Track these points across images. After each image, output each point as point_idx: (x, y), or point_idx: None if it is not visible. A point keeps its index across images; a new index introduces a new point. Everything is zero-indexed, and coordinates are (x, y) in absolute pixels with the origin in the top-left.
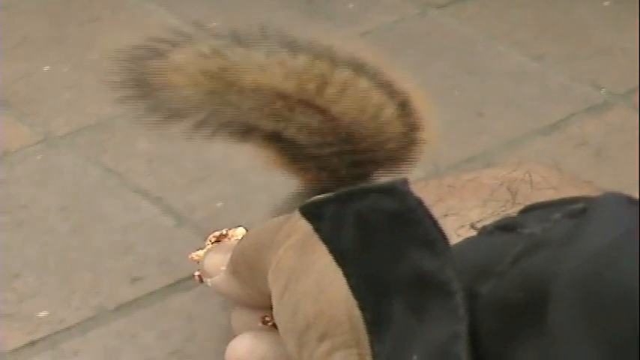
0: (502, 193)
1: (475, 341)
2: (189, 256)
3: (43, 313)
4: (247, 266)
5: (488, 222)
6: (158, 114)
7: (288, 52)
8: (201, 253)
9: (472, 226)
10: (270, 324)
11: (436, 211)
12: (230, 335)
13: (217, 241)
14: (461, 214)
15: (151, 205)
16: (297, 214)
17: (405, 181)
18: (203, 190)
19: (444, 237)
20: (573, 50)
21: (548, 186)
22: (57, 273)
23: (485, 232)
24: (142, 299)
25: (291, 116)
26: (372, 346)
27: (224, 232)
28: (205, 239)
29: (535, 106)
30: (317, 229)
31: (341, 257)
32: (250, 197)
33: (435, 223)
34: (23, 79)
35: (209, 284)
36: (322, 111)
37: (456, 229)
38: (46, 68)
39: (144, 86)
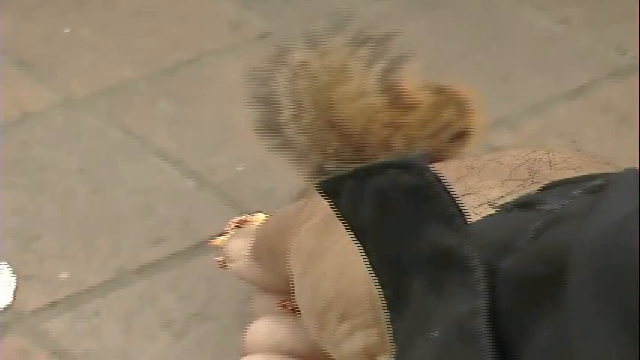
0: (522, 173)
1: (494, 317)
2: (210, 242)
3: (63, 275)
4: (268, 250)
5: (507, 200)
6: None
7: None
8: (222, 238)
9: (492, 204)
10: (287, 308)
11: (456, 190)
12: (250, 297)
13: (239, 226)
14: (481, 192)
15: (172, 168)
16: (318, 197)
17: (423, 157)
18: (224, 152)
19: (462, 212)
20: (598, 14)
21: (569, 167)
22: (77, 235)
23: (505, 210)
24: (163, 261)
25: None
26: (391, 323)
27: (246, 217)
28: (223, 201)
29: (559, 71)
30: (335, 205)
31: (360, 233)
32: (271, 160)
33: (453, 198)
34: (44, 41)
35: (231, 270)
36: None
37: (476, 207)
38: (67, 30)
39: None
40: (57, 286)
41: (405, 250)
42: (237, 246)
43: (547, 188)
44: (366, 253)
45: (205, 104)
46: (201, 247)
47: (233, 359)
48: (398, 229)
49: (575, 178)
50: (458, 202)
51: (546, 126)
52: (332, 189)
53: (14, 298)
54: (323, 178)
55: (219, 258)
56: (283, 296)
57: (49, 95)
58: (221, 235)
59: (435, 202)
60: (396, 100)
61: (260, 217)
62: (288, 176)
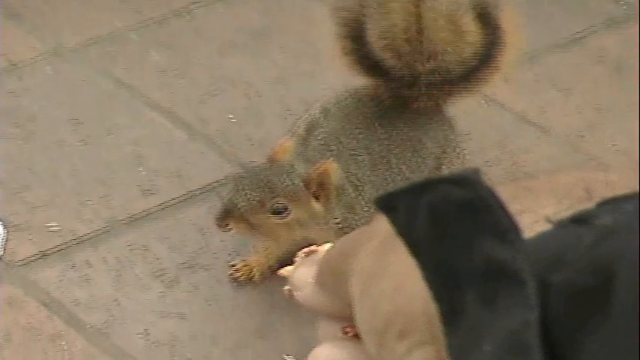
0: (578, 192)
1: (546, 330)
2: (279, 272)
3: (53, 225)
4: (332, 274)
5: (562, 216)
6: None
7: None
8: (290, 268)
9: (547, 220)
10: (351, 334)
11: (511, 209)
12: (243, 248)
13: (307, 256)
14: (536, 211)
15: (163, 119)
16: (377, 220)
17: (476, 171)
18: (216, 103)
19: (515, 226)
20: None
21: (625, 186)
22: (67, 185)
23: (560, 225)
24: (154, 212)
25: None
26: (447, 337)
27: (314, 247)
28: (214, 152)
29: (554, 20)
30: (392, 221)
31: (415, 248)
32: (263, 111)
33: (506, 212)
34: None
35: (299, 299)
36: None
37: (531, 224)
38: None
39: None
40: (47, 237)
41: (459, 263)
42: (303, 274)
43: (601, 204)
44: (422, 267)
45: (196, 55)
46: (192, 197)
47: (223, 309)
48: (452, 243)
49: (627, 194)
50: (510, 216)
51: (541, 76)
52: (388, 204)
53: (4, 249)
54: (379, 195)
55: (287, 287)
56: (348, 322)
57: (39, 45)
58: (289, 265)
59: (489, 216)
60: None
61: (327, 247)
62: (279, 126)
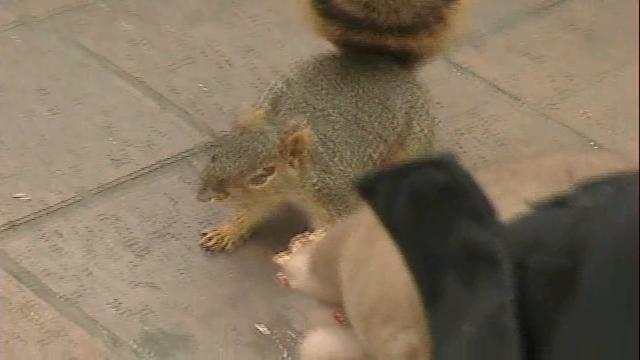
0: (559, 174)
1: (525, 311)
2: (274, 259)
3: (23, 195)
4: (324, 261)
5: (543, 198)
6: None
7: None
8: (286, 257)
9: (527, 202)
10: (343, 320)
11: (493, 191)
12: (214, 218)
13: (302, 245)
14: (518, 193)
15: (133, 88)
16: (366, 207)
17: (453, 155)
18: (186, 72)
19: (492, 208)
20: None
21: (608, 169)
22: (36, 155)
23: (539, 207)
24: (125, 181)
25: None
26: (428, 319)
27: (309, 237)
28: (185, 121)
29: None
30: (370, 205)
31: (394, 232)
32: (234, 80)
33: (483, 194)
34: None
35: (294, 286)
36: None
37: (511, 207)
38: None
39: None
40: (16, 207)
41: (438, 246)
42: (298, 262)
43: (581, 187)
44: (402, 251)
45: (166, 23)
46: (163, 167)
47: (195, 278)
48: (430, 226)
49: (607, 176)
50: (486, 198)
51: (512, 44)
52: (367, 188)
53: None
54: (358, 179)
55: (283, 276)
56: (340, 309)
57: (6, 15)
58: (284, 252)
59: (466, 198)
60: None
61: (321, 235)
62: (250, 95)
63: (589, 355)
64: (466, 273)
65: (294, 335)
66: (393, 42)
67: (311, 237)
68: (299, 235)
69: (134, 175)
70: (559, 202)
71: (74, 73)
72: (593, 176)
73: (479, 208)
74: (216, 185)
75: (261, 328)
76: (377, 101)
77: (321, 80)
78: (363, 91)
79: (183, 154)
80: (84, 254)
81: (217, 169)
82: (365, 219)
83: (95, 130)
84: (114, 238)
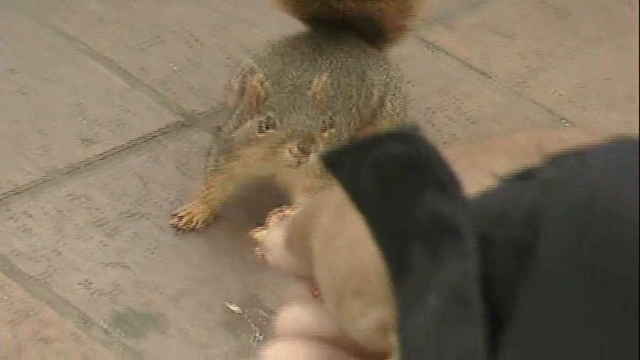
0: (529, 148)
1: (489, 287)
2: (252, 234)
3: None
4: (298, 236)
5: (511, 172)
6: None
7: None
8: (262, 232)
9: (494, 176)
10: (317, 295)
11: (463, 164)
12: (185, 197)
13: (279, 220)
14: (487, 167)
15: (103, 68)
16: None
17: (416, 127)
18: (157, 51)
19: (456, 181)
20: None
21: (577, 143)
22: (5, 135)
23: (506, 181)
24: (95, 161)
25: None
26: (395, 293)
27: (286, 211)
28: (156, 101)
29: None
30: (337, 178)
31: (361, 205)
32: (204, 58)
33: (447, 167)
34: None
35: (270, 261)
36: None
37: (479, 180)
38: None
39: None
40: None
41: (403, 219)
42: (274, 237)
43: (548, 160)
44: (369, 224)
45: (136, 2)
46: (134, 146)
47: (165, 257)
48: (395, 198)
49: (574, 150)
50: (450, 170)
51: (483, 22)
52: (333, 161)
53: None
54: (324, 152)
55: (259, 251)
56: (315, 284)
57: None
58: (261, 227)
59: (430, 171)
60: None
61: (297, 210)
62: (221, 75)
63: (546, 329)
64: (431, 245)
65: (266, 314)
66: (354, 6)
67: (287, 211)
68: (276, 210)
69: (104, 155)
70: (524, 175)
71: (44, 53)
72: (561, 150)
73: (443, 181)
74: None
75: (233, 307)
76: (355, 75)
77: (296, 55)
78: (340, 64)
79: (154, 134)
80: (54, 234)
81: (301, 126)
82: (337, 194)
83: (65, 109)
84: (84, 218)
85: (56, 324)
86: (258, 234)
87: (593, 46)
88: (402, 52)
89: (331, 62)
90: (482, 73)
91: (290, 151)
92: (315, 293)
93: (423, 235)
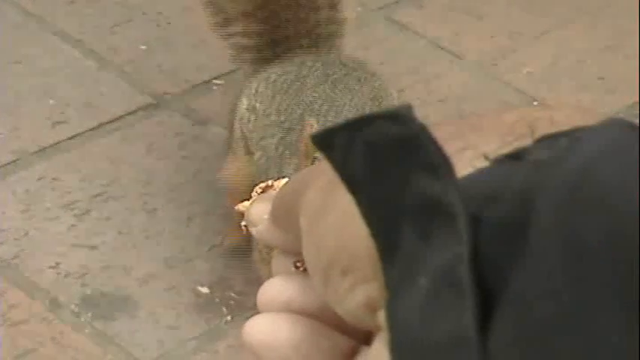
0: (521, 128)
1: (480, 269)
2: (236, 207)
3: None
4: (285, 211)
5: (502, 153)
6: None
7: None
8: (247, 204)
9: (485, 157)
10: (302, 269)
11: (455, 145)
12: (155, 179)
13: (263, 192)
14: (478, 147)
15: (72, 48)
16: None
17: (408, 107)
18: (126, 32)
19: (446, 161)
20: None
21: (570, 125)
22: None
23: (497, 162)
24: (64, 143)
25: None
26: (385, 273)
27: (269, 183)
28: (125, 82)
29: None
30: (328, 158)
31: (352, 185)
32: (175, 40)
33: (437, 147)
34: None
35: (254, 234)
36: None
37: (471, 161)
38: None
39: None
40: None
41: (394, 199)
42: (259, 210)
43: (539, 141)
44: (360, 204)
45: None
46: (104, 127)
47: (135, 239)
48: (387, 179)
49: (565, 130)
50: (442, 151)
51: (452, 2)
52: (325, 141)
53: None
54: (316, 132)
55: (243, 223)
56: (300, 257)
57: None
58: (245, 200)
59: (421, 151)
60: None
61: (282, 182)
62: (191, 56)
63: (535, 311)
64: (422, 226)
65: (235, 296)
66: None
67: (271, 183)
68: (260, 182)
69: (74, 137)
70: (515, 156)
71: (12, 34)
72: (554, 131)
73: (434, 161)
74: None
75: (203, 290)
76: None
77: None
78: (336, 80)
79: (124, 115)
80: (22, 216)
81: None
82: (326, 170)
83: (34, 91)
84: (53, 200)
85: (25, 306)
86: (242, 206)
87: (564, 26)
88: (372, 33)
89: (345, 85)
90: (453, 53)
91: None
92: (299, 266)
93: (413, 216)
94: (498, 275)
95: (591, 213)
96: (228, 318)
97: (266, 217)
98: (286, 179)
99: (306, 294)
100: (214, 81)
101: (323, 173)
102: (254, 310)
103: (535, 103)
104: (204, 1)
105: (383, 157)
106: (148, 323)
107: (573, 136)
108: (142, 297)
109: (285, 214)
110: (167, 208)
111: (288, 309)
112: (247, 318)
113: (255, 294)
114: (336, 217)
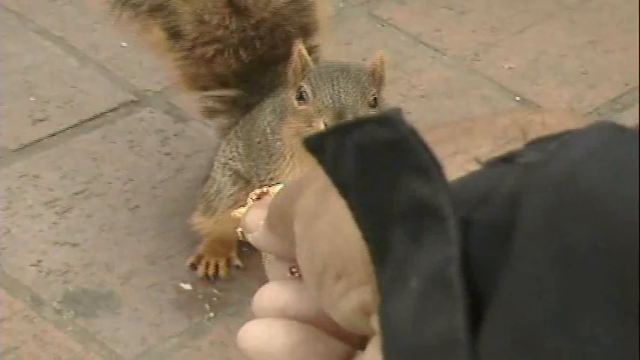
0: (513, 132)
1: (470, 270)
2: (232, 214)
3: None
4: (280, 217)
5: (494, 156)
6: None
7: None
8: (243, 210)
9: (477, 160)
10: (297, 274)
11: (447, 149)
12: (137, 176)
13: (258, 198)
14: (470, 150)
15: (53, 45)
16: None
17: (398, 111)
18: (107, 29)
19: (436, 164)
20: None
21: (562, 128)
22: None
23: (488, 165)
24: (45, 140)
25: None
26: (377, 276)
27: (265, 189)
28: (107, 79)
29: None
30: (319, 162)
31: (343, 189)
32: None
33: (427, 150)
34: None
35: (251, 240)
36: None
37: (463, 164)
38: None
39: None
40: None
41: (385, 202)
42: (254, 217)
43: (530, 144)
44: (352, 207)
45: None
46: (85, 124)
47: (117, 236)
48: (378, 182)
49: (555, 134)
50: (431, 153)
51: None
52: (316, 145)
53: None
54: (307, 136)
55: (239, 229)
56: (296, 263)
57: None
58: (241, 207)
59: (411, 155)
60: None
61: (277, 189)
62: None
63: (524, 313)
64: (413, 228)
65: (218, 293)
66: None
67: (267, 190)
68: (256, 189)
69: (55, 134)
70: (506, 160)
71: None
72: (546, 134)
73: (424, 164)
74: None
75: (185, 286)
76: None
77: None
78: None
79: (105, 112)
80: (4, 214)
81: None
82: (319, 176)
83: (15, 88)
84: (35, 198)
85: (7, 304)
86: (238, 212)
87: (545, 21)
88: (353, 28)
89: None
90: (434, 49)
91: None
92: (294, 272)
93: (404, 219)
94: (488, 278)
95: (578, 216)
96: (211, 314)
97: (262, 223)
98: (281, 186)
99: (302, 299)
100: None
101: (316, 179)
102: (236, 306)
103: (517, 98)
104: (179, 73)
105: (373, 161)
106: (130, 320)
107: (563, 138)
108: (124, 294)
109: (280, 220)
110: (149, 205)
111: (284, 314)
112: (230, 314)
113: (237, 290)
114: (330, 221)
